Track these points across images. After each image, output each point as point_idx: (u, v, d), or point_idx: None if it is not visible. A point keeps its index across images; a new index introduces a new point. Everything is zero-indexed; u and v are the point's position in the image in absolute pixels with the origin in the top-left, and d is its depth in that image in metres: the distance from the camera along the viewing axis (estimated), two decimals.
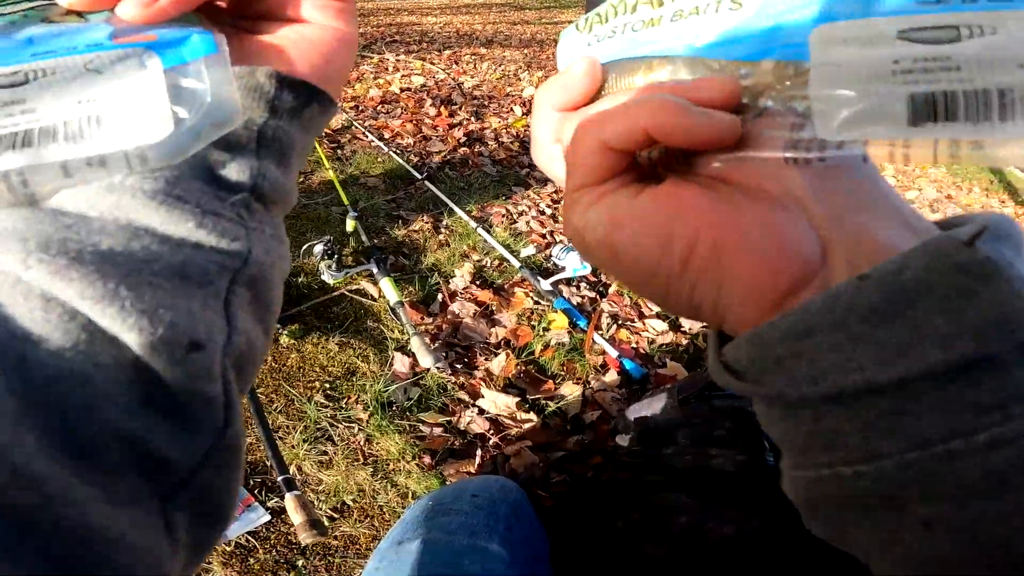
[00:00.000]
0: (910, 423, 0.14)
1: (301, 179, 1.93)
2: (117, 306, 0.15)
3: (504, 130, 2.63)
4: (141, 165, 0.17)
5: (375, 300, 1.39)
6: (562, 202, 1.94)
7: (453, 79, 3.40)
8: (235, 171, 0.19)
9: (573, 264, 1.55)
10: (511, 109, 2.97)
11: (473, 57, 4.27)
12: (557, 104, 0.23)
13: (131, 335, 0.15)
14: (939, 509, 0.14)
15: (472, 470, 1.07)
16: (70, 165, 0.16)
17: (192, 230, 0.17)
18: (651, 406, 0.89)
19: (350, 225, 1.57)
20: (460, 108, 2.82)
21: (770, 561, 0.61)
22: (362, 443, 1.11)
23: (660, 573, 0.68)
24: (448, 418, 1.15)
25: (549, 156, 0.25)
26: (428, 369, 1.21)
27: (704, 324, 0.28)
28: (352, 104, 2.72)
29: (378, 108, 2.71)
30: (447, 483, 1.05)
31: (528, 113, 2.95)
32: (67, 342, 0.15)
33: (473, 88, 3.26)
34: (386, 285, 1.33)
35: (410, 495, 1.03)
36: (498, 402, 1.16)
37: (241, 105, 0.19)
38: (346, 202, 1.74)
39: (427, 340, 1.22)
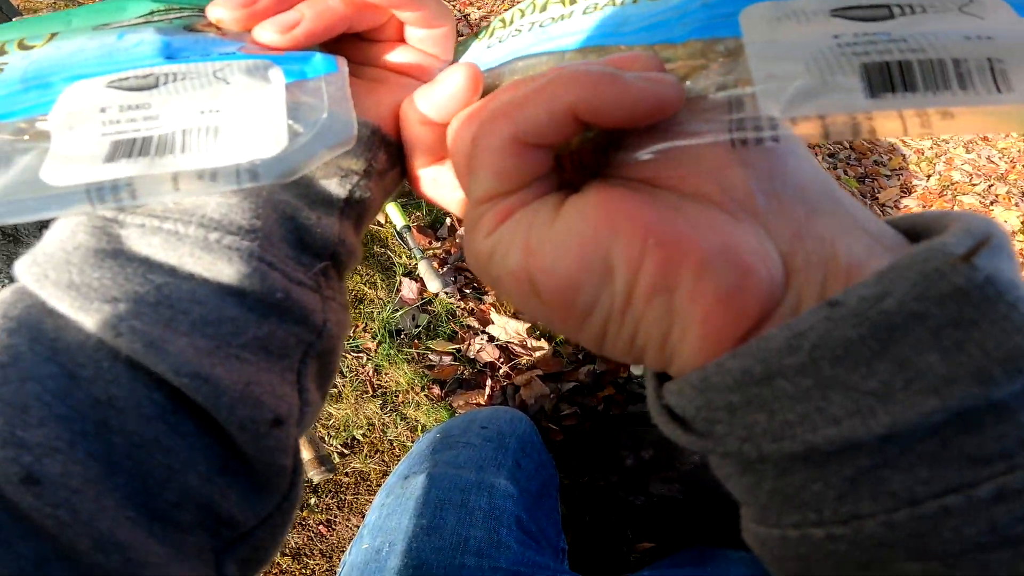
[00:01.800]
0: (897, 479, 0.12)
1: None
2: (211, 386, 0.15)
3: None
4: (251, 180, 0.16)
5: (381, 225, 1.34)
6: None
7: (459, 11, 3.21)
8: (320, 236, 0.18)
9: None
10: None
11: None
12: (431, 118, 0.19)
13: (221, 413, 0.15)
14: (930, 566, 0.12)
15: (482, 401, 1.06)
16: (181, 177, 0.16)
17: (279, 302, 0.17)
18: None
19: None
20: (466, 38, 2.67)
21: None
22: (371, 374, 1.09)
23: (668, 511, 0.67)
24: (457, 346, 1.13)
25: (431, 182, 0.21)
26: (436, 294, 1.17)
27: None
28: None
29: None
30: (457, 415, 1.03)
31: None
32: (152, 412, 0.14)
33: (480, 19, 3.07)
34: (392, 209, 1.27)
35: (420, 428, 1.02)
36: (508, 328, 1.13)
37: (356, 128, 0.17)
38: None
39: (435, 264, 1.18)
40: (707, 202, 0.15)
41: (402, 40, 0.23)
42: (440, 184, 0.21)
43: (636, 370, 1.00)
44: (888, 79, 0.14)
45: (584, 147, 0.17)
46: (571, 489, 0.88)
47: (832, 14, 0.15)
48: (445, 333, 1.14)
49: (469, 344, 1.12)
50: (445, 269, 1.24)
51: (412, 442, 0.99)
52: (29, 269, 0.15)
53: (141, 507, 0.14)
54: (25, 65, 0.18)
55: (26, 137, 0.16)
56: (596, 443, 0.95)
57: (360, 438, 1.01)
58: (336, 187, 0.19)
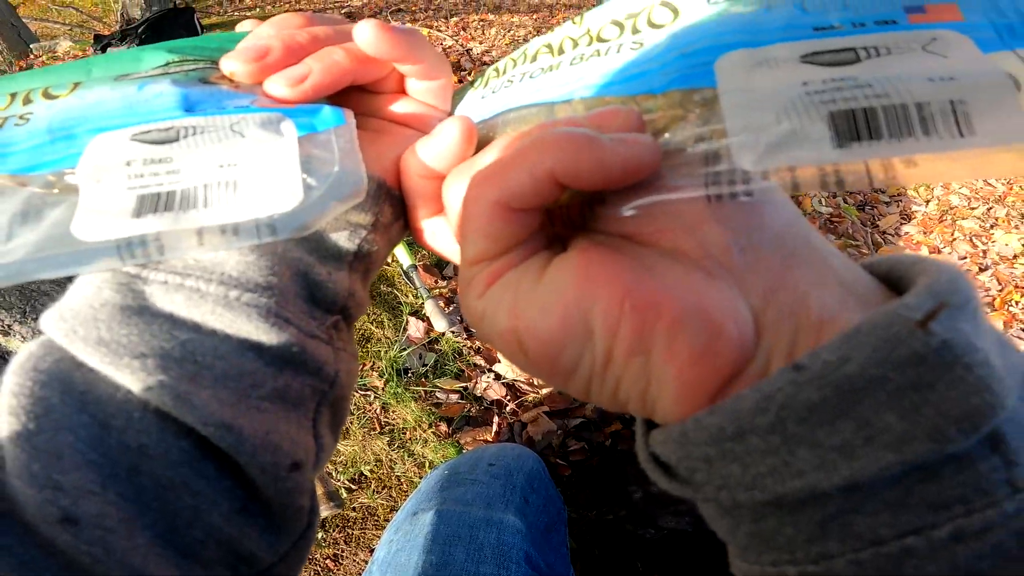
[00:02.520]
0: (862, 523, 0.13)
1: None
2: (235, 435, 0.16)
3: None
4: (270, 235, 0.16)
5: (388, 264, 1.37)
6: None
7: (461, 45, 3.33)
8: (331, 291, 0.19)
9: None
10: None
11: (481, 23, 4.17)
12: (429, 171, 0.20)
13: (244, 459, 0.16)
14: None
15: (489, 438, 1.06)
16: (205, 232, 0.16)
17: (295, 355, 0.17)
18: None
19: None
20: (469, 74, 2.77)
21: None
22: (378, 411, 1.10)
23: (679, 544, 0.66)
24: (464, 384, 1.13)
25: (431, 234, 0.21)
26: (443, 333, 1.19)
27: None
28: None
29: None
30: (464, 451, 1.04)
31: None
32: (179, 458, 0.15)
33: (482, 54, 3.18)
34: (398, 248, 1.30)
35: (427, 464, 1.03)
36: (514, 367, 1.14)
37: (366, 181, 0.18)
38: None
39: (441, 304, 1.20)
40: (685, 258, 0.15)
41: (403, 91, 0.23)
42: (440, 235, 0.21)
43: None
44: (854, 127, 0.14)
45: (572, 203, 0.18)
46: (580, 523, 0.88)
47: (802, 60, 0.16)
48: (452, 371, 1.15)
49: (476, 382, 1.13)
50: (451, 308, 1.25)
51: (420, 478, 0.99)
52: (57, 324, 0.16)
53: (169, 544, 0.15)
54: (50, 115, 0.19)
55: (55, 190, 0.17)
56: (604, 477, 0.95)
57: (368, 474, 1.01)
58: (345, 241, 0.19)
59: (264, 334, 0.17)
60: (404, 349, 1.17)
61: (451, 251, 0.21)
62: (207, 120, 0.18)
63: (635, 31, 0.19)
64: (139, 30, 3.13)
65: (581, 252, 0.16)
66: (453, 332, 1.19)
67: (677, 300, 0.14)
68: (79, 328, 0.15)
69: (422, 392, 1.12)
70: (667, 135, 0.16)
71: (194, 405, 0.15)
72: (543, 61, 0.21)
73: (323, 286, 0.19)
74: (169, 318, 0.16)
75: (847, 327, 0.13)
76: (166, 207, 0.16)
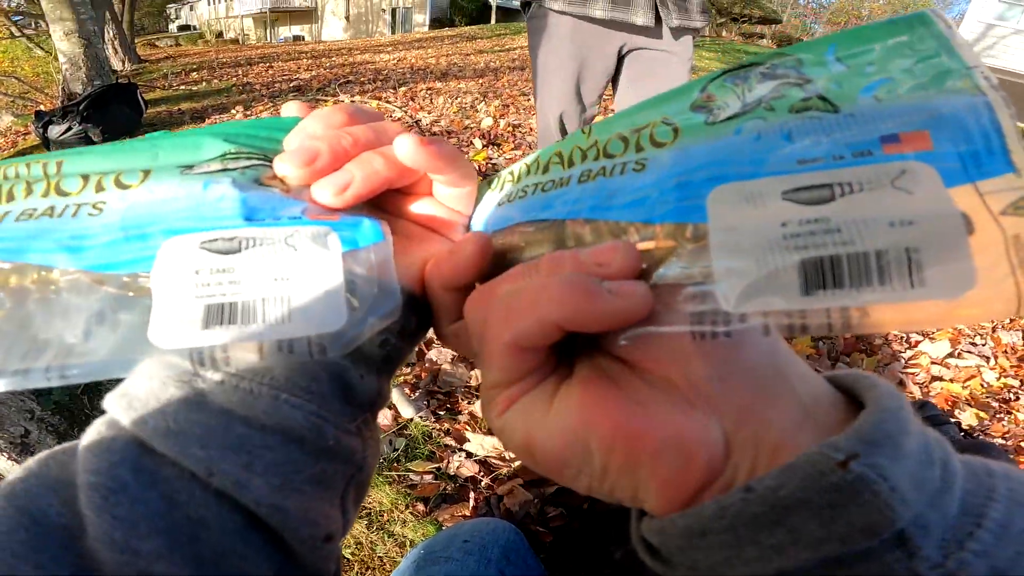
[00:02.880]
0: None
1: None
2: (282, 513, 0.19)
3: None
4: (319, 354, 0.19)
5: None
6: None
7: (411, 116, 3.45)
8: (363, 392, 0.22)
9: None
10: (471, 142, 3.02)
11: (429, 92, 4.32)
12: (450, 284, 0.23)
13: (288, 533, 0.19)
14: None
15: (467, 513, 1.07)
16: (265, 347, 0.18)
17: (331, 447, 0.20)
18: None
19: None
20: None
21: None
22: None
23: None
24: (437, 465, 1.15)
25: (454, 338, 0.24)
26: (411, 419, 1.22)
27: None
28: None
29: None
30: (443, 528, 1.05)
31: (488, 145, 3.00)
32: (232, 528, 0.18)
33: (431, 124, 3.31)
34: None
35: (408, 544, 1.03)
36: (484, 444, 1.18)
37: (400, 300, 0.21)
38: None
39: (407, 391, 1.24)
40: (671, 388, 0.18)
41: (430, 194, 0.26)
42: (462, 340, 0.24)
43: None
44: (821, 275, 0.16)
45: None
46: None
47: (783, 197, 0.17)
48: (423, 453, 1.17)
49: (448, 461, 1.15)
50: (417, 394, 1.29)
51: (401, 557, 0.99)
52: (127, 412, 0.18)
53: None
54: (123, 208, 0.20)
55: (130, 293, 0.19)
56: (585, 540, 0.97)
57: (349, 557, 1.01)
58: (376, 348, 0.22)
59: (306, 431, 0.19)
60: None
61: (471, 354, 0.23)
62: (265, 232, 0.20)
63: (639, 148, 0.21)
64: (80, 107, 3.14)
65: (582, 385, 0.19)
66: (421, 417, 1.22)
67: (659, 432, 0.18)
68: (148, 419, 0.18)
69: (395, 475, 1.13)
70: (661, 269, 0.18)
71: (249, 489, 0.18)
72: (554, 172, 0.23)
73: (356, 388, 0.21)
74: (227, 413, 0.19)
75: (795, 454, 0.16)
76: (230, 319, 0.18)
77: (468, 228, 0.26)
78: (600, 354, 0.20)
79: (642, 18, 1.47)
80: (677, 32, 1.56)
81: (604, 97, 1.81)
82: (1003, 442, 1.46)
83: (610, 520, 0.85)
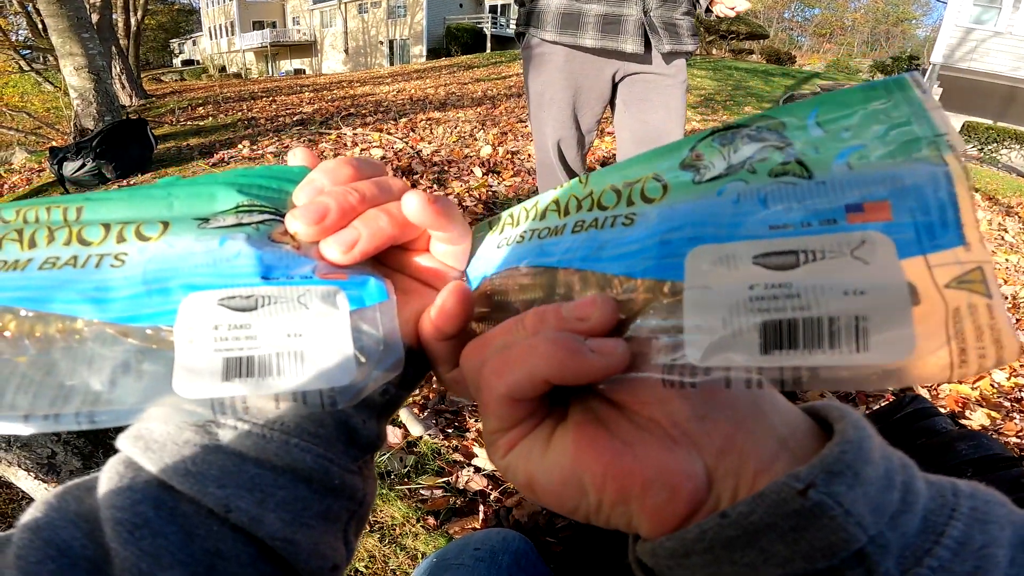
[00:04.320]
0: None
1: None
2: (293, 546, 0.21)
3: (467, 194, 2.71)
4: (331, 405, 0.20)
5: None
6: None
7: (411, 147, 3.50)
8: (365, 436, 0.24)
9: None
10: (471, 171, 3.06)
11: (428, 122, 4.38)
12: (439, 336, 0.24)
13: (299, 564, 0.21)
14: None
15: (477, 525, 1.08)
16: (281, 398, 0.20)
17: (336, 486, 0.22)
18: None
19: None
20: (421, 176, 2.90)
21: None
22: None
23: None
24: (446, 479, 1.17)
25: (453, 383, 0.26)
26: (420, 437, 1.24)
27: None
28: None
29: None
30: (454, 539, 1.06)
31: (488, 173, 3.07)
32: (247, 560, 0.20)
33: (432, 154, 3.35)
34: None
35: (419, 556, 1.04)
36: None
37: (403, 354, 0.22)
38: None
39: (415, 411, 1.26)
40: (656, 427, 0.20)
41: (427, 250, 0.27)
42: (461, 386, 0.25)
43: None
44: (778, 337, 0.17)
45: None
46: None
47: (753, 261, 0.18)
48: (433, 469, 1.20)
49: (457, 476, 1.17)
50: (426, 413, 1.31)
51: (413, 569, 1.00)
52: (145, 454, 0.20)
53: None
54: (144, 261, 0.21)
55: (153, 345, 0.20)
56: (595, 548, 0.98)
57: (363, 570, 1.01)
58: (378, 397, 0.24)
59: (314, 471, 0.21)
60: (384, 454, 1.21)
61: (471, 398, 0.25)
62: (279, 291, 0.20)
63: (629, 202, 0.22)
64: (93, 143, 3.19)
65: (575, 428, 0.21)
66: (430, 435, 1.25)
67: (646, 470, 0.20)
68: (168, 461, 0.20)
69: (406, 490, 1.15)
70: (639, 320, 0.20)
71: (264, 524, 0.20)
72: (551, 220, 0.24)
73: (359, 432, 0.23)
74: (241, 456, 0.20)
75: (770, 481, 0.18)
76: (248, 372, 0.19)
77: (465, 272, 0.28)
78: (591, 396, 0.22)
79: (632, 45, 1.49)
80: (669, 56, 1.58)
81: (602, 120, 1.84)
82: (1018, 441, 1.46)
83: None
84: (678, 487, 0.19)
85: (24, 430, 0.18)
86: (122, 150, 3.35)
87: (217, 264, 0.21)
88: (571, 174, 1.95)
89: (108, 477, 0.20)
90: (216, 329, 0.20)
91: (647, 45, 1.52)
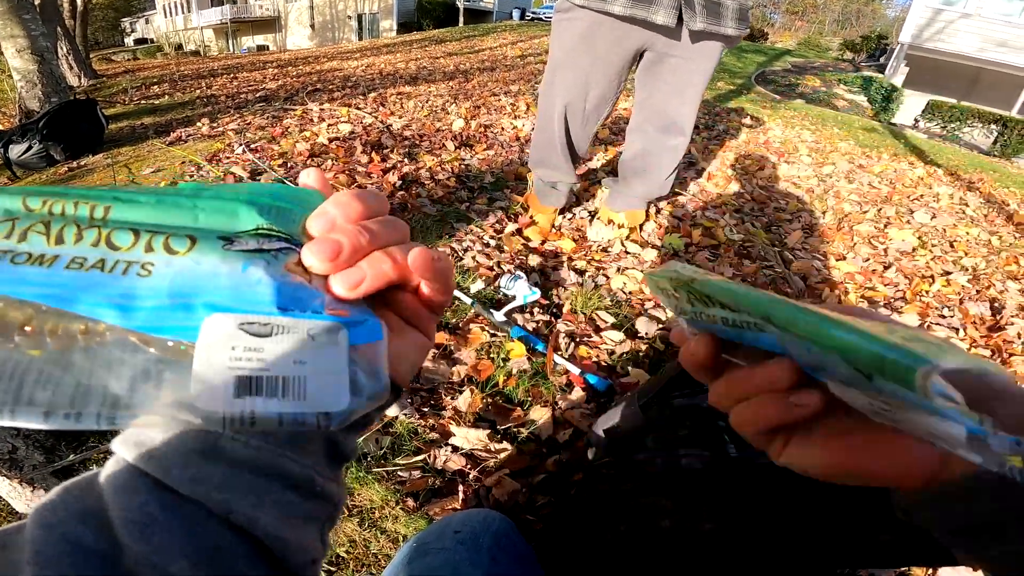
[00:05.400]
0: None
1: None
2: (283, 542, 0.23)
3: (439, 167, 2.65)
4: (324, 427, 0.22)
5: None
6: (504, 234, 1.98)
7: (381, 122, 3.41)
8: (346, 450, 0.27)
9: (522, 291, 1.59)
10: (443, 145, 3.00)
11: (399, 96, 4.29)
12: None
13: (287, 557, 0.23)
14: None
15: (457, 506, 1.07)
16: (284, 417, 0.22)
17: (319, 491, 0.25)
18: (616, 416, 0.93)
19: None
20: (392, 151, 2.83)
21: (752, 549, 0.63)
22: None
23: (656, 572, 0.70)
24: (423, 458, 1.16)
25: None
26: (396, 417, 1.22)
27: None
28: (280, 162, 2.66)
29: (308, 163, 2.67)
30: (434, 521, 1.05)
31: (461, 146, 2.99)
32: (242, 553, 0.22)
33: (403, 128, 3.28)
34: None
35: (400, 539, 1.03)
36: (469, 437, 1.19)
37: (388, 387, 0.25)
38: None
39: None
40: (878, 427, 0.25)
41: (415, 291, 0.30)
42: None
43: (592, 454, 1.07)
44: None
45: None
46: (559, 573, 0.90)
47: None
48: (410, 449, 1.17)
49: (435, 456, 1.15)
50: (402, 393, 1.26)
51: (395, 552, 0.99)
52: (147, 461, 0.22)
53: None
54: (171, 275, 0.22)
55: (173, 357, 0.21)
56: (574, 526, 0.98)
57: (344, 555, 1.01)
58: (360, 417, 0.27)
59: (301, 479, 0.24)
60: (359, 436, 1.18)
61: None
62: (292, 322, 0.23)
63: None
64: (39, 125, 3.04)
65: (823, 436, 0.29)
66: (405, 414, 1.22)
67: (886, 462, 0.27)
68: (172, 468, 0.21)
69: (384, 473, 1.13)
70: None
71: (259, 524, 0.22)
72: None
73: (340, 446, 0.27)
74: (239, 463, 0.23)
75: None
76: (257, 391, 0.21)
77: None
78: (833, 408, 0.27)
79: (663, 16, 1.40)
80: (698, 36, 1.50)
81: (616, 100, 1.79)
82: None
83: (595, 503, 0.86)
84: (915, 467, 0.26)
85: (44, 426, 0.19)
86: (71, 131, 3.19)
87: (239, 289, 0.22)
88: (571, 148, 1.91)
89: (112, 481, 0.22)
90: (233, 349, 0.21)
91: (680, 20, 1.42)
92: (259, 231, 0.25)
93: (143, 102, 4.93)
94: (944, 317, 1.96)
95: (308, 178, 0.30)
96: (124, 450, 0.22)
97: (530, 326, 1.54)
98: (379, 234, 0.27)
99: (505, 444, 1.19)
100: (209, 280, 0.22)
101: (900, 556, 0.51)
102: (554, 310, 1.65)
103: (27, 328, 0.20)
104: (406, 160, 2.73)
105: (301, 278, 0.25)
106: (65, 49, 6.59)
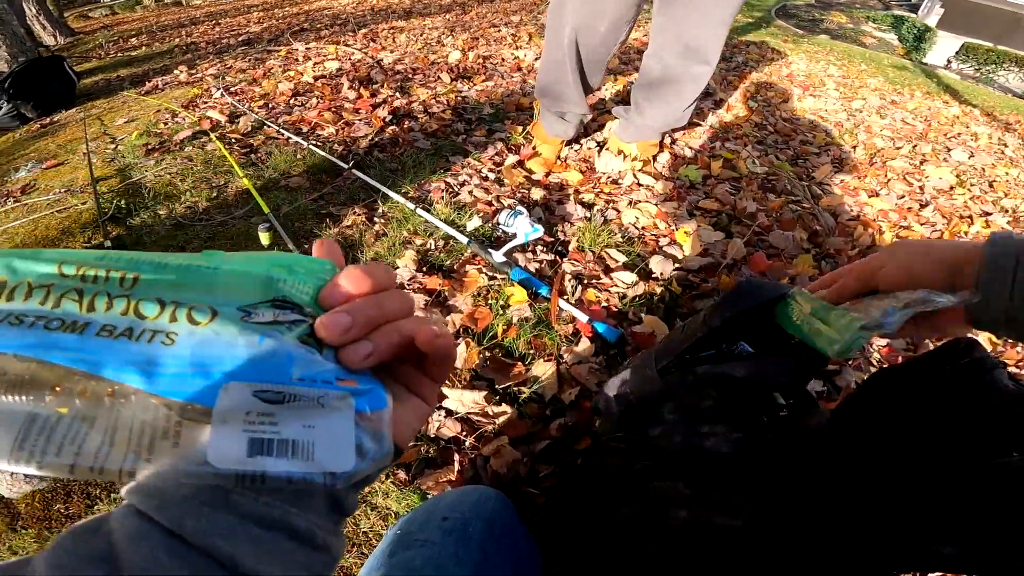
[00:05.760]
0: None
1: (215, 194, 1.74)
2: None
3: (434, 100, 2.44)
4: (331, 486, 0.24)
5: None
6: (505, 166, 1.80)
7: (372, 57, 3.17)
8: (348, 505, 0.27)
9: (524, 228, 1.41)
10: (438, 77, 2.77)
11: (391, 31, 4.01)
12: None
13: None
14: None
15: (452, 478, 0.95)
16: (293, 476, 0.23)
17: (319, 544, 0.25)
18: (629, 379, 0.78)
19: (264, 238, 1.37)
20: (382, 86, 2.61)
21: (782, 552, 0.52)
22: None
23: (662, 573, 0.59)
24: None
25: None
26: None
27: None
28: (261, 103, 2.47)
29: (291, 102, 2.47)
30: (429, 497, 0.94)
31: (457, 79, 2.76)
32: None
33: (394, 63, 3.04)
34: None
35: (392, 516, 0.93)
36: (464, 400, 1.04)
37: (392, 451, 0.27)
38: (266, 211, 1.56)
39: None
40: None
41: (415, 363, 0.31)
42: None
43: (597, 425, 0.93)
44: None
45: None
46: (558, 555, 0.79)
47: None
48: None
49: (428, 422, 1.03)
50: None
51: (387, 530, 0.89)
52: (160, 511, 0.22)
53: None
54: (192, 345, 0.24)
55: (190, 419, 0.22)
56: (578, 503, 0.87)
57: None
58: (363, 479, 0.27)
59: (303, 533, 0.24)
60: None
61: None
62: (304, 391, 0.24)
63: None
64: (5, 85, 2.91)
65: None
66: None
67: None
68: (185, 519, 0.22)
69: None
70: None
71: (261, 573, 0.23)
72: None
73: (343, 503, 0.27)
74: (247, 517, 0.23)
75: None
76: (268, 452, 0.23)
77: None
78: None
79: None
80: None
81: (635, 20, 1.58)
82: (1017, 371, 1.33)
83: (603, 480, 0.73)
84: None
85: (70, 476, 0.21)
86: (39, 89, 3.03)
87: (255, 360, 0.24)
88: (582, 76, 1.70)
89: (122, 527, 0.22)
90: (247, 414, 0.23)
91: None
92: (275, 303, 0.27)
93: (119, 55, 4.68)
94: None
95: (320, 248, 0.31)
96: (136, 498, 0.22)
97: (532, 267, 1.37)
98: (387, 308, 0.29)
99: (504, 407, 1.05)
100: (227, 350, 0.24)
101: (962, 570, 0.44)
102: (559, 248, 1.48)
103: (57, 388, 0.21)
104: (397, 94, 2.52)
105: (314, 349, 0.26)
106: (34, 10, 6.23)
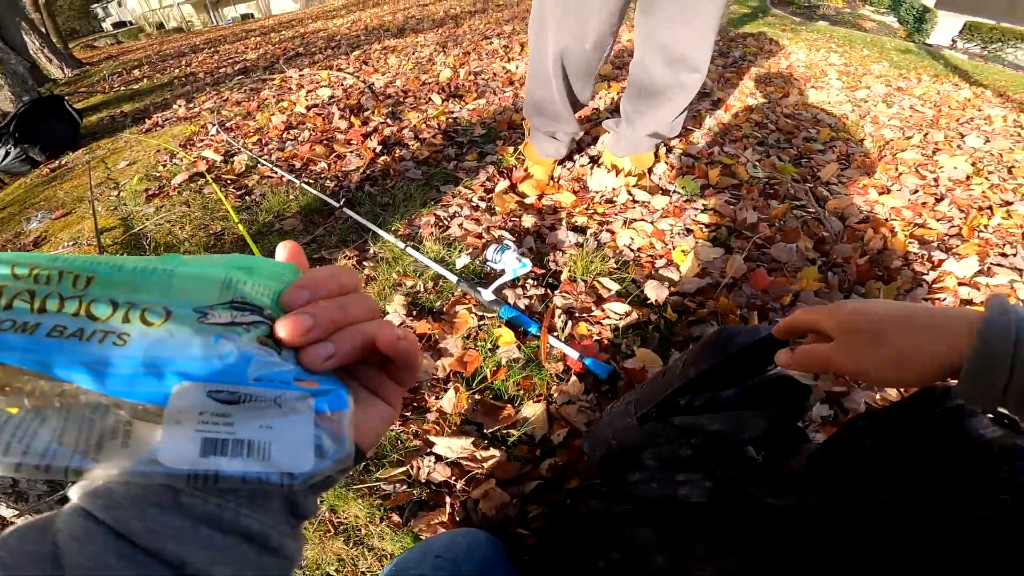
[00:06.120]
0: None
1: (212, 242, 1.76)
2: None
3: (424, 125, 2.43)
4: (288, 486, 0.23)
5: None
6: (496, 193, 1.79)
7: (363, 81, 3.18)
8: (305, 508, 0.27)
9: (511, 264, 1.40)
10: (429, 99, 2.77)
11: (383, 51, 4.04)
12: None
13: None
14: None
15: (444, 520, 0.96)
16: (248, 476, 0.23)
17: (275, 547, 0.25)
18: (611, 424, 0.78)
19: None
20: (373, 112, 2.62)
21: None
22: (327, 515, 0.99)
23: None
24: (405, 469, 1.03)
25: None
26: None
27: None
28: (255, 139, 2.49)
29: (284, 136, 2.49)
30: (422, 539, 0.94)
31: (448, 98, 2.76)
32: None
33: (385, 86, 3.05)
34: None
35: (388, 557, 0.95)
36: (453, 446, 1.03)
37: (353, 453, 0.26)
38: None
39: None
40: None
41: (380, 365, 0.31)
42: None
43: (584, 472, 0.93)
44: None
45: None
46: None
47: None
48: (392, 460, 1.05)
49: (418, 468, 1.02)
50: None
51: (383, 570, 0.90)
52: (107, 511, 0.21)
53: None
54: (145, 346, 0.23)
55: (142, 419, 0.22)
56: (566, 545, 0.87)
57: (334, 573, 0.95)
58: (322, 480, 0.27)
59: (257, 535, 0.24)
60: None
61: None
62: (260, 391, 0.24)
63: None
64: (10, 129, 2.94)
65: None
66: None
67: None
68: (132, 520, 0.21)
69: (366, 489, 1.02)
70: None
71: (215, 563, 0.22)
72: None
73: (300, 505, 0.26)
74: (198, 519, 0.23)
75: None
76: (221, 452, 0.22)
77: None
78: None
79: None
80: None
81: (618, 32, 1.56)
82: None
83: (589, 523, 0.72)
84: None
85: (15, 475, 0.20)
86: (45, 130, 3.06)
87: (210, 360, 0.24)
88: (571, 96, 1.68)
89: (68, 527, 0.22)
90: (201, 415, 0.23)
91: None
92: (234, 304, 0.26)
93: (122, 88, 4.77)
94: (1005, 256, 1.67)
95: (284, 251, 0.31)
96: (83, 499, 0.22)
97: (522, 303, 1.35)
98: (350, 310, 0.28)
99: (493, 451, 1.04)
100: (181, 351, 0.24)
101: None
102: (550, 279, 1.45)
103: (6, 388, 0.21)
104: (388, 120, 2.52)
105: (272, 350, 0.26)
106: (37, 44, 6.36)
